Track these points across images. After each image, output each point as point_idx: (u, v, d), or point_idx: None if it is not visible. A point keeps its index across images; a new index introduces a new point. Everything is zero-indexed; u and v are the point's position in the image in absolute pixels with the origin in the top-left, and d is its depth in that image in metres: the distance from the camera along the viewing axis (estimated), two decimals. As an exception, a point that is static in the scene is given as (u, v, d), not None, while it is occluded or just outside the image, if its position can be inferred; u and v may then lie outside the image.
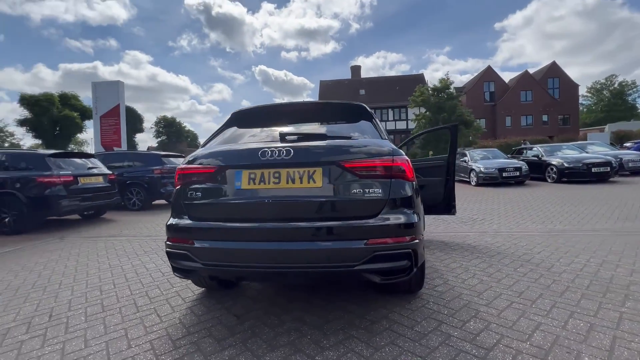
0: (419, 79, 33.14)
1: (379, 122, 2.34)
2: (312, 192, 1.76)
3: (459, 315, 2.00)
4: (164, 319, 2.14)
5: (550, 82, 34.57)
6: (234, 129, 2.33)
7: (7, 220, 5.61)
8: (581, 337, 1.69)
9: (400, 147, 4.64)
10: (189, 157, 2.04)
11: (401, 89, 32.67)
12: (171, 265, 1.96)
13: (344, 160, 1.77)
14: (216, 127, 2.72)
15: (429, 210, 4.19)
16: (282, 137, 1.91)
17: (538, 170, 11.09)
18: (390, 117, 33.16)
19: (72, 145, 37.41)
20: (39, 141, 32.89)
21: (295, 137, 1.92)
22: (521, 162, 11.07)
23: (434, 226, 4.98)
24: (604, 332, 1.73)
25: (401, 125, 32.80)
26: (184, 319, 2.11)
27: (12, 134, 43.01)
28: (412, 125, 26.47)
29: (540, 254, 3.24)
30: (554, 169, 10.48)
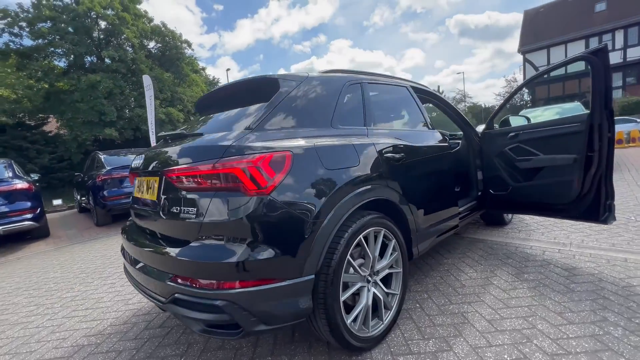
0: None
1: (297, 96, 1.55)
2: (150, 205, 1.51)
3: None
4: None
5: None
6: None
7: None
8: None
9: (503, 107, 2.88)
10: None
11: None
12: None
13: (167, 168, 1.38)
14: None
15: (550, 212, 2.49)
16: (159, 140, 1.71)
17: None
18: (663, 34, 20.22)
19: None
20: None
21: (168, 138, 1.67)
22: None
23: (606, 234, 2.85)
24: None
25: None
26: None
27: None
28: None
29: None
30: None
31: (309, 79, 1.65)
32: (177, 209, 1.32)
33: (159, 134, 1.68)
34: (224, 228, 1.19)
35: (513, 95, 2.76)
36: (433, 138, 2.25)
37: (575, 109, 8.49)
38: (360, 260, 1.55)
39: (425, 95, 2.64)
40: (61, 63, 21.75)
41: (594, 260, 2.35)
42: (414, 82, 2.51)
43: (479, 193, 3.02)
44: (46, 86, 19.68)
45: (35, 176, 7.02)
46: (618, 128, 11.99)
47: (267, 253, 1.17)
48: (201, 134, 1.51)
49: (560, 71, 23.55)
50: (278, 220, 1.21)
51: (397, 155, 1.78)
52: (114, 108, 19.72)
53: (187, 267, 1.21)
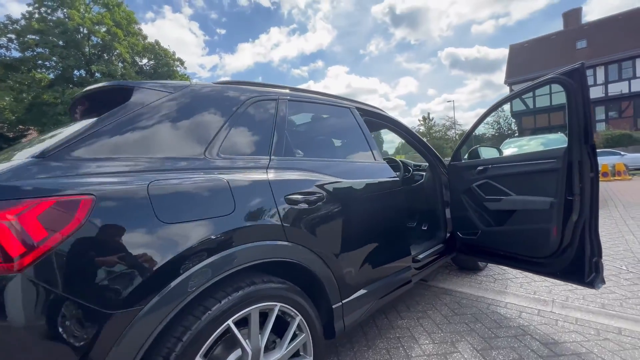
0: None
1: (157, 112, 1.09)
2: None
3: None
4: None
5: None
6: None
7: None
8: None
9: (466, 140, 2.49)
10: None
11: (667, 22, 19.87)
12: None
13: None
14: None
15: (526, 265, 2.04)
16: None
17: None
18: (641, 73, 21.03)
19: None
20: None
21: None
22: None
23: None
24: None
25: (666, 81, 20.11)
26: None
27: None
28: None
29: None
30: None
31: (188, 90, 1.21)
32: None
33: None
34: None
35: (479, 123, 2.38)
36: (377, 171, 1.81)
37: (559, 140, 8.32)
38: (236, 355, 1.04)
39: (377, 119, 2.23)
40: (50, 75, 21.55)
41: (581, 330, 1.87)
42: (362, 104, 2.11)
43: (448, 234, 2.57)
44: (30, 98, 19.29)
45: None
46: (603, 161, 11.92)
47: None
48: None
49: (546, 102, 24.18)
50: (38, 315, 0.71)
51: (311, 197, 1.31)
52: (97, 122, 19.23)
53: None
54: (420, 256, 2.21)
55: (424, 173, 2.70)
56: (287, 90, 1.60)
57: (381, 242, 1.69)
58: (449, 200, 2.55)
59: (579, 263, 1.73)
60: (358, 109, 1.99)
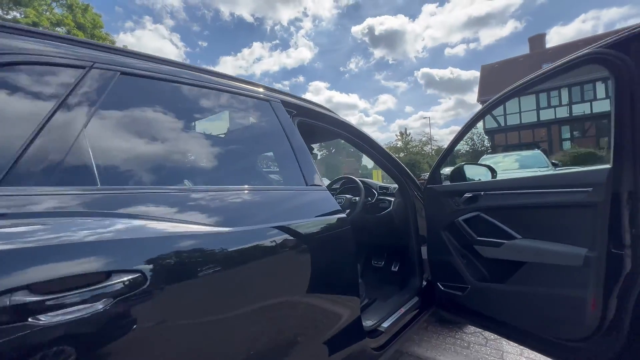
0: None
1: None
2: None
3: None
4: None
5: None
6: None
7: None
8: None
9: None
10: None
11: (622, 49, 21.30)
12: None
13: None
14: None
15: (542, 347, 1.32)
16: None
17: None
18: (602, 95, 22.26)
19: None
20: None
21: None
22: None
23: None
24: None
25: (624, 103, 21.31)
26: None
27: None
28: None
29: None
30: None
31: None
32: None
33: None
34: None
35: (462, 135, 1.71)
36: (309, 205, 1.08)
37: (536, 157, 8.04)
38: None
39: (323, 123, 1.51)
40: None
41: None
42: (295, 97, 1.39)
43: (424, 283, 1.87)
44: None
45: None
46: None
47: None
48: None
49: (516, 121, 25.02)
50: None
51: (118, 283, 0.53)
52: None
53: None
54: (385, 324, 1.49)
55: (392, 199, 2.01)
56: (126, 57, 0.84)
57: (303, 332, 0.93)
58: (425, 236, 1.87)
59: (633, 355, 1.06)
60: (286, 103, 1.27)
